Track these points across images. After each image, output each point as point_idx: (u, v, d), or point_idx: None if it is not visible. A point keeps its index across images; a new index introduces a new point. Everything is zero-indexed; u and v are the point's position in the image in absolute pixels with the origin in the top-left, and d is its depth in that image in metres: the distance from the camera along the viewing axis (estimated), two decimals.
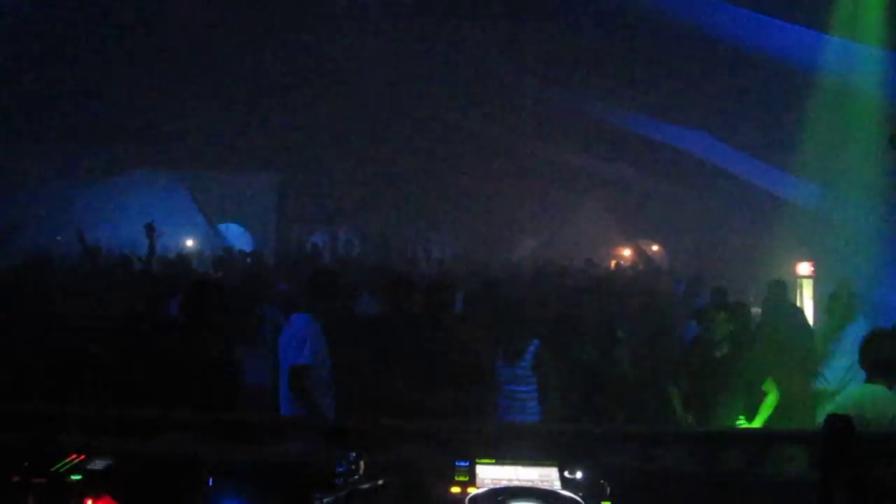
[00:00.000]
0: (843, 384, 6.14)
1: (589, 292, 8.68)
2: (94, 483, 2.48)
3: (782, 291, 8.68)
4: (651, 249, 20.97)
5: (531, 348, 5.98)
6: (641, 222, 19.90)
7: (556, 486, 2.57)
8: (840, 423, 3.44)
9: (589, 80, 12.84)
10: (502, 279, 9.82)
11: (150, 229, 10.36)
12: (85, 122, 14.31)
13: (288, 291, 8.97)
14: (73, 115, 13.88)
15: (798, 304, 10.30)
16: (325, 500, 2.32)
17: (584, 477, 2.59)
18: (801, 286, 11.39)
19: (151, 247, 10.33)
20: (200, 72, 13.49)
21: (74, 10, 10.96)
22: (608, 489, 2.48)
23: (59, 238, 15.19)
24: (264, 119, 16.08)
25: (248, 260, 12.98)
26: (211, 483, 2.54)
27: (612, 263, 18.79)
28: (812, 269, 11.44)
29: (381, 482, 2.47)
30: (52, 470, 2.51)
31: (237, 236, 19.98)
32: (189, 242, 15.48)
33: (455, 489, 2.52)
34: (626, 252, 21.80)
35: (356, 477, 2.44)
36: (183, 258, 11.98)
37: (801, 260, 11.58)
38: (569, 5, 10.65)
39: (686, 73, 11.40)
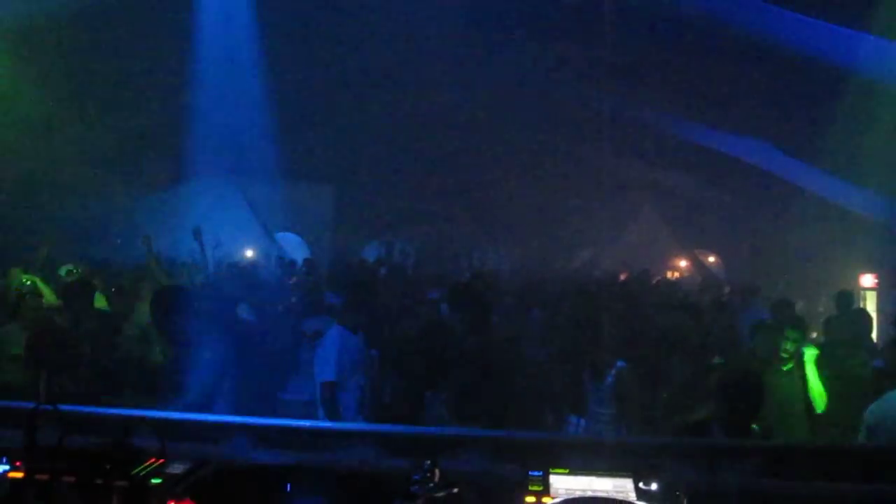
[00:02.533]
0: None
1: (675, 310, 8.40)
2: (173, 487, 2.52)
3: (849, 303, 8.52)
4: (708, 260, 20.69)
5: (613, 371, 5.87)
6: (699, 233, 19.65)
7: (632, 497, 2.56)
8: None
9: (647, 89, 12.77)
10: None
11: (197, 234, 10.54)
12: (147, 132, 14.59)
13: (336, 304, 8.98)
14: (136, 126, 14.17)
15: None
16: None
17: (659, 488, 2.57)
18: (864, 298, 11.18)
19: (203, 250, 10.50)
20: (260, 83, 13.66)
21: (144, 22, 11.18)
22: (685, 501, 2.46)
23: (118, 241, 15.53)
24: (322, 129, 16.22)
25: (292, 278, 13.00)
26: (289, 489, 2.58)
27: (669, 274, 18.59)
28: (875, 280, 11.21)
29: (455, 490, 2.48)
30: (132, 473, 2.57)
31: (294, 246, 20.12)
32: (248, 252, 15.64)
33: (529, 499, 2.53)
34: (682, 263, 21.55)
35: (431, 485, 2.46)
36: (244, 267, 12.12)
37: (865, 271, 11.36)
38: (629, 16, 10.60)
39: (746, 81, 11.28)
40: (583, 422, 6.36)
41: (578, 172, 18.15)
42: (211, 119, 14.47)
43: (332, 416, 5.61)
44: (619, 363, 5.93)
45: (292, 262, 14.41)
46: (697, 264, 20.08)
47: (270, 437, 3.41)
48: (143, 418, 3.44)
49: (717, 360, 6.90)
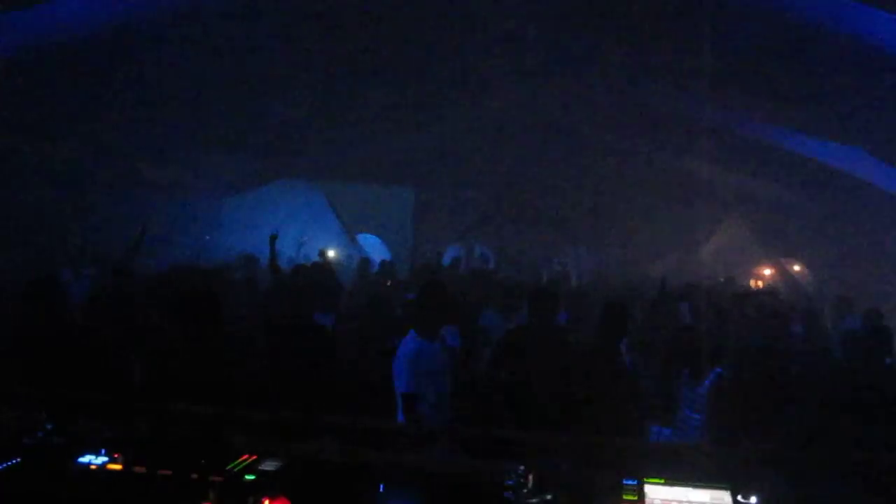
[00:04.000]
0: None
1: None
2: (267, 484, 2.55)
3: None
4: (793, 269, 20.20)
5: (712, 376, 5.85)
6: (784, 241, 19.21)
7: None
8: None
9: (736, 93, 12.51)
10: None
11: (272, 240, 10.74)
12: (230, 132, 14.84)
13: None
14: (218, 126, 14.41)
15: None
16: None
17: (759, 501, 2.50)
18: None
19: (272, 257, 10.68)
20: (341, 85, 13.78)
21: (217, 25, 11.34)
22: None
23: (207, 238, 15.87)
24: (404, 131, 16.30)
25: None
26: (382, 489, 2.57)
27: (753, 283, 18.20)
28: None
29: (549, 497, 2.45)
30: (227, 469, 2.60)
31: (374, 247, 20.30)
32: (330, 253, 15.81)
33: None
34: (767, 272, 21.09)
35: (525, 490, 2.43)
36: (327, 266, 12.23)
37: None
38: (715, 18, 10.39)
39: (838, 86, 10.97)
40: (666, 432, 6.31)
41: (664, 178, 17.91)
42: (293, 118, 14.69)
43: (412, 427, 5.53)
44: (718, 370, 5.89)
45: (367, 261, 14.44)
46: (782, 273, 19.67)
47: (359, 437, 3.43)
48: (234, 414, 3.49)
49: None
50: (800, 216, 17.59)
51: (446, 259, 17.06)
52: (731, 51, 11.00)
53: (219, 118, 13.92)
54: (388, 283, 11.98)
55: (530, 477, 2.46)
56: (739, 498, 2.53)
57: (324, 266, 11.85)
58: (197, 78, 12.41)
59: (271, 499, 2.43)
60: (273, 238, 10.67)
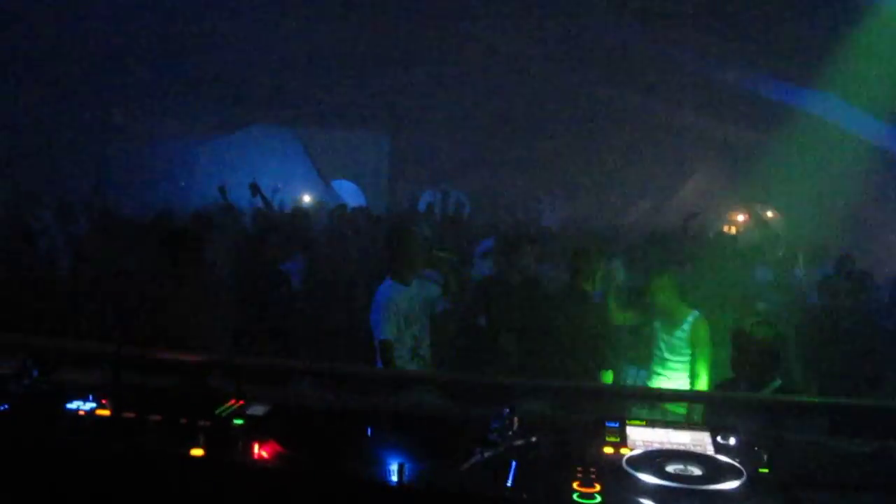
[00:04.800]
0: None
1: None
2: (255, 428, 2.58)
3: None
4: (766, 215, 20.35)
5: (689, 318, 5.99)
6: (758, 187, 19.31)
7: (710, 450, 2.56)
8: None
9: (709, 38, 12.48)
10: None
11: (254, 189, 10.72)
12: (203, 78, 14.65)
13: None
14: (191, 72, 14.22)
15: None
16: (485, 455, 2.35)
17: (738, 443, 2.56)
18: None
19: (266, 201, 10.64)
20: (316, 29, 13.61)
21: None
22: (765, 456, 2.45)
23: (182, 184, 15.75)
24: (378, 76, 16.15)
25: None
26: (370, 433, 2.61)
27: (725, 228, 18.33)
28: None
29: (534, 439, 2.49)
30: (215, 414, 2.62)
31: (350, 193, 20.25)
32: (306, 198, 15.75)
33: (608, 449, 2.53)
34: (740, 217, 21.22)
35: (510, 433, 2.47)
36: (302, 212, 12.22)
37: None
38: None
39: (811, 30, 10.97)
40: (643, 373, 6.46)
41: (638, 124, 17.89)
42: (268, 64, 14.51)
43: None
44: (694, 312, 6.00)
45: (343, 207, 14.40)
46: (756, 218, 19.82)
47: (343, 382, 3.46)
48: (219, 360, 3.51)
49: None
50: (774, 162, 17.66)
51: (421, 204, 17.04)
52: None
53: (194, 63, 13.74)
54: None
55: (515, 419, 2.50)
56: (719, 439, 2.59)
57: (296, 214, 11.87)
58: (172, 22, 12.21)
59: (260, 443, 2.46)
60: (255, 187, 10.69)
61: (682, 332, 6.04)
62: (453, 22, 14.21)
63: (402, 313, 5.65)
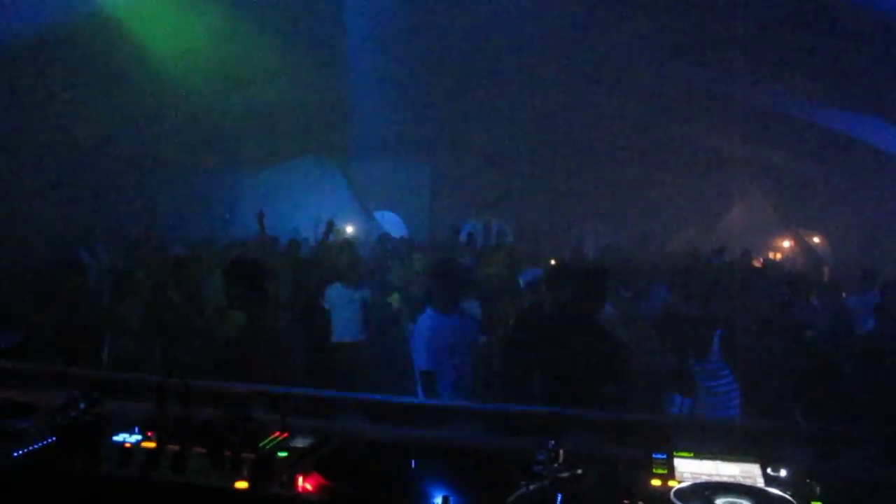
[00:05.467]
0: None
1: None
2: (300, 461, 2.57)
3: None
4: (813, 241, 20.11)
5: (715, 339, 5.88)
6: (803, 213, 19.10)
7: (760, 483, 2.50)
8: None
9: (754, 65, 12.39)
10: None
11: (259, 218, 11.01)
12: (248, 111, 14.86)
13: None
14: (237, 106, 14.44)
15: None
16: (530, 487, 2.32)
17: (789, 475, 2.50)
18: None
19: (262, 232, 10.91)
20: (361, 62, 13.75)
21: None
22: (818, 489, 2.39)
23: (227, 216, 15.96)
24: (420, 108, 16.26)
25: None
26: (414, 465, 2.60)
27: (771, 255, 18.16)
28: None
29: (580, 471, 2.45)
30: (259, 446, 2.63)
31: (392, 224, 20.35)
32: (349, 229, 15.86)
33: (655, 482, 2.49)
34: (786, 244, 20.99)
35: (556, 465, 2.44)
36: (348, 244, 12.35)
37: None
38: None
39: (857, 56, 10.87)
40: (688, 401, 6.34)
41: (681, 152, 17.80)
42: (312, 97, 14.70)
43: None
44: (718, 331, 5.90)
45: (386, 237, 14.52)
46: (801, 244, 19.57)
47: (387, 414, 3.45)
48: (263, 392, 3.52)
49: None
50: (820, 188, 17.47)
51: (463, 234, 17.06)
52: (751, 22, 10.90)
53: (240, 97, 13.96)
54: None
55: (560, 451, 2.46)
56: (769, 471, 2.54)
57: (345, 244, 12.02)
58: (214, 57, 12.41)
59: (304, 475, 2.45)
60: (260, 216, 11.00)
61: (714, 355, 5.94)
62: (495, 53, 14.28)
63: (445, 344, 5.63)
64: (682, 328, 6.33)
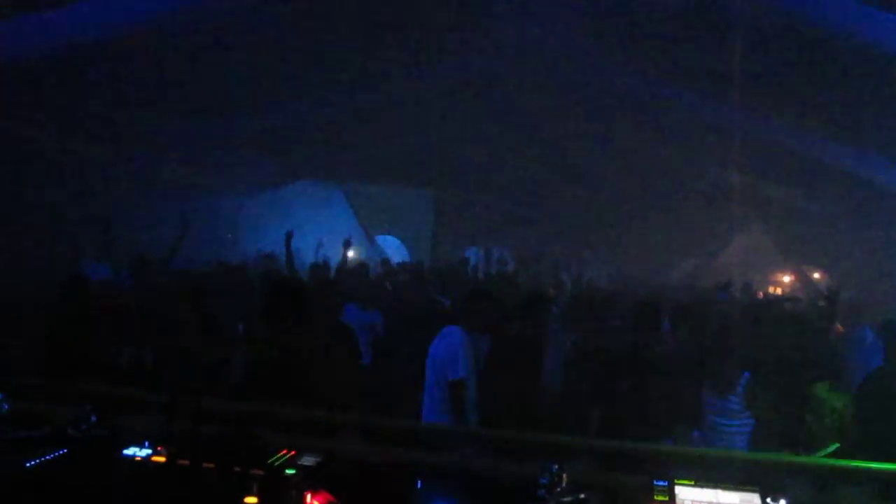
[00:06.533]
0: None
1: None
2: (308, 478, 2.61)
3: None
4: (813, 276, 20.14)
5: (742, 381, 5.82)
6: (805, 247, 19.12)
7: None
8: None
9: (757, 98, 12.46)
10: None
11: (288, 238, 10.94)
12: (249, 134, 14.89)
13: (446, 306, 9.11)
14: (237, 128, 14.47)
15: None
16: None
17: None
18: None
19: (289, 254, 10.83)
20: (361, 87, 13.82)
21: (236, 23, 11.37)
22: None
23: (229, 236, 15.96)
24: (424, 132, 16.33)
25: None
26: (420, 486, 2.64)
27: (772, 289, 18.18)
28: None
29: (582, 496, 2.50)
30: (268, 463, 2.67)
31: (394, 248, 20.39)
32: (350, 253, 15.86)
33: None
34: (786, 278, 21.03)
35: (559, 489, 2.48)
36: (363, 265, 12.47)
37: None
38: (739, 22, 10.38)
39: (859, 90, 10.92)
40: (697, 433, 6.28)
41: (682, 183, 17.84)
42: (313, 120, 14.74)
43: (459, 414, 5.65)
44: (745, 374, 5.87)
45: (388, 262, 14.58)
46: (802, 278, 19.59)
47: (390, 436, 3.49)
48: (269, 411, 3.56)
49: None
50: (820, 223, 17.50)
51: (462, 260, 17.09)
52: (754, 55, 10.97)
53: (240, 119, 13.98)
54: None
55: (564, 476, 2.51)
56: (768, 500, 2.58)
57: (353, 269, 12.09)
58: (216, 78, 12.46)
59: (312, 493, 2.49)
60: (289, 236, 10.87)
61: (737, 395, 5.87)
62: (498, 81, 14.38)
63: (469, 360, 5.81)
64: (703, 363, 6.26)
